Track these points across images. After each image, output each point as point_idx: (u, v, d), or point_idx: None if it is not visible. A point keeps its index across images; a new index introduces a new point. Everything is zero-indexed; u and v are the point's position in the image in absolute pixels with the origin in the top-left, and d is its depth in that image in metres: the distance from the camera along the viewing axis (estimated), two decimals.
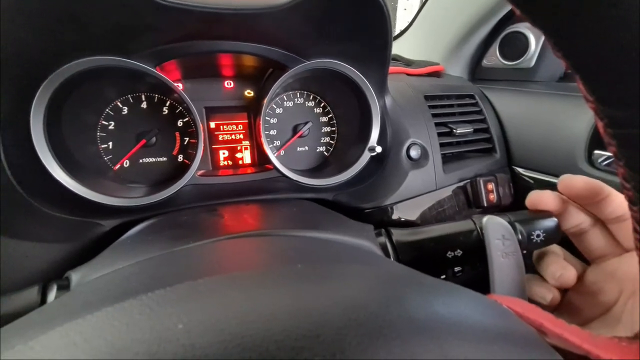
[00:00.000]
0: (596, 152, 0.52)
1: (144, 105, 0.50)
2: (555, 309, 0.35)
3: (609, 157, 0.50)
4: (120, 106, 0.48)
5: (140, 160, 0.50)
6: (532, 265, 0.36)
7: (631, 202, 0.19)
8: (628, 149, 0.17)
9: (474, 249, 0.34)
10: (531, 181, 0.62)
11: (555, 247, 0.36)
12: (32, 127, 0.38)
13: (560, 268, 0.33)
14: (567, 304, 0.34)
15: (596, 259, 0.34)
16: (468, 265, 0.35)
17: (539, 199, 0.35)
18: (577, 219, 0.34)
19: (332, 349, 0.13)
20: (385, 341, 0.14)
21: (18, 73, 0.36)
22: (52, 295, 0.28)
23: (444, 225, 0.36)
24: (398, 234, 0.36)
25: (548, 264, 0.34)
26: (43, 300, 0.28)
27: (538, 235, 0.32)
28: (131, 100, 0.49)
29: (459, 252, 0.34)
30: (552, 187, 0.58)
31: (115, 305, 0.15)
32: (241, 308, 0.14)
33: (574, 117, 0.56)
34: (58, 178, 0.39)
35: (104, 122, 0.48)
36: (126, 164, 0.49)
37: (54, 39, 0.36)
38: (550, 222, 0.33)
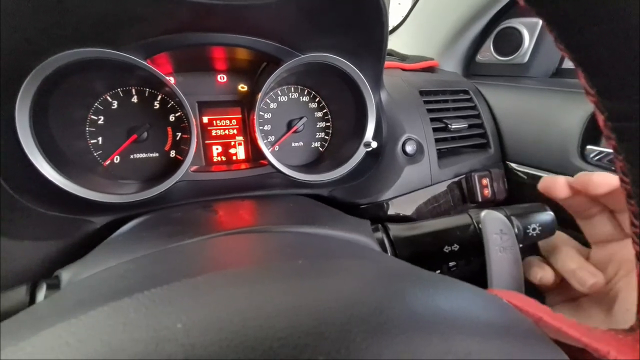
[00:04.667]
0: (589, 147, 0.53)
1: (134, 99, 0.48)
2: (555, 287, 0.36)
3: (600, 152, 0.51)
4: (110, 100, 0.47)
5: (131, 156, 0.49)
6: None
7: (629, 196, 0.19)
8: (628, 142, 0.17)
9: (471, 243, 0.34)
10: (525, 176, 0.62)
11: (563, 238, 0.37)
12: (18, 121, 0.36)
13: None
14: (566, 283, 0.35)
15: (599, 243, 0.35)
16: (464, 259, 0.35)
17: (552, 184, 0.34)
18: (587, 207, 0.35)
19: (337, 346, 0.12)
20: (390, 337, 0.13)
21: (1, 65, 0.34)
22: (41, 294, 0.27)
23: (440, 219, 0.37)
24: (395, 229, 0.36)
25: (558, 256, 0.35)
26: (32, 300, 0.27)
27: (534, 229, 0.32)
28: (121, 94, 0.48)
29: (455, 247, 0.34)
30: None
31: (110, 304, 0.14)
32: (242, 305, 0.14)
33: (567, 113, 0.56)
34: (46, 174, 0.38)
35: (93, 116, 0.46)
36: (117, 159, 0.48)
37: (39, 29, 0.35)
38: (546, 216, 0.33)
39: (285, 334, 0.12)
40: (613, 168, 0.50)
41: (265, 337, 0.12)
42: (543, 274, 0.34)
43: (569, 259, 0.34)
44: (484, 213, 0.32)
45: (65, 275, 0.28)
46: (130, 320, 0.13)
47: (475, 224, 0.34)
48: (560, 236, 0.37)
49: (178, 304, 0.14)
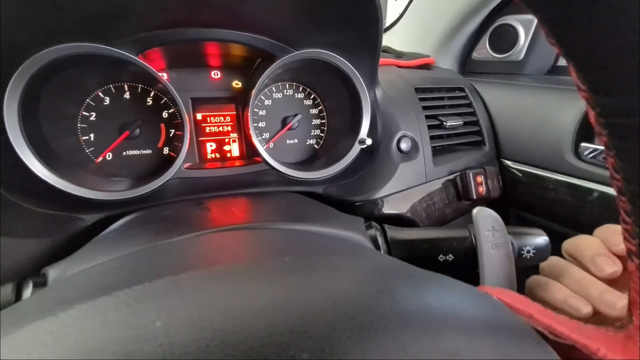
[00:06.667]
0: (583, 144, 0.53)
1: (127, 95, 0.48)
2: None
3: (595, 150, 0.51)
4: (102, 96, 0.46)
5: (124, 153, 0.48)
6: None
7: (620, 192, 0.18)
8: (619, 138, 0.17)
9: (466, 256, 0.34)
10: (519, 174, 0.62)
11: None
12: (6, 116, 0.36)
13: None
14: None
15: None
16: (458, 271, 0.34)
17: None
18: None
19: (321, 345, 0.12)
20: (376, 335, 0.13)
21: None
22: (27, 292, 0.27)
23: (439, 229, 0.37)
24: (392, 231, 0.36)
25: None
26: (18, 298, 0.27)
27: (528, 251, 0.31)
28: (113, 90, 0.47)
29: (450, 257, 0.33)
30: (540, 179, 0.59)
31: (89, 302, 0.14)
32: (224, 303, 0.14)
33: (561, 110, 0.56)
34: (35, 171, 0.38)
35: (84, 112, 0.46)
36: (109, 156, 0.47)
37: (29, 22, 0.34)
38: (541, 240, 0.32)
39: (268, 332, 0.12)
40: (606, 165, 0.50)
41: (247, 336, 0.12)
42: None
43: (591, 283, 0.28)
44: (476, 210, 0.32)
45: (53, 272, 0.28)
46: (108, 319, 0.13)
47: (473, 238, 0.33)
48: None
49: (158, 301, 0.14)
